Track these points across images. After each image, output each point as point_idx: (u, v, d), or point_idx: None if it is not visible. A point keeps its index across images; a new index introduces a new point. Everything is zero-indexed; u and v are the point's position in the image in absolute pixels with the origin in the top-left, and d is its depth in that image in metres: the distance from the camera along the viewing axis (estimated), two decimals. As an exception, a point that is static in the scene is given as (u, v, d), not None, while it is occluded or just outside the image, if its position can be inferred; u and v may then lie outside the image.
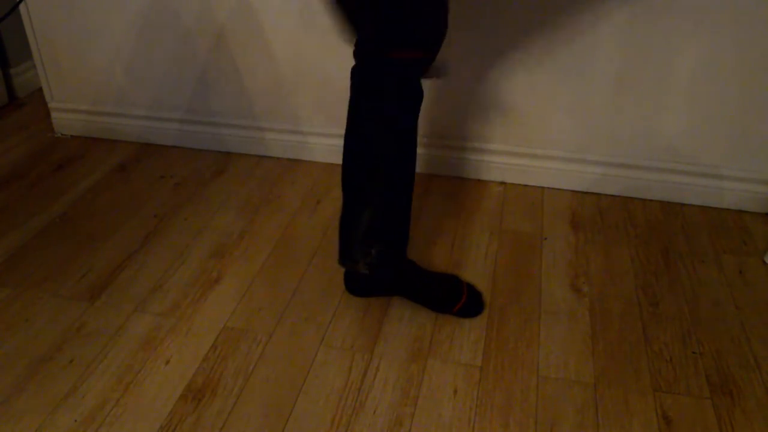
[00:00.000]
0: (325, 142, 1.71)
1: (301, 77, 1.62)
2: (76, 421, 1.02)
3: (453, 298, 1.23)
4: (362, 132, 1.11)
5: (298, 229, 1.48)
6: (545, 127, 1.56)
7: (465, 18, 1.46)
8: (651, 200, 1.58)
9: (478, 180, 1.66)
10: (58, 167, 1.73)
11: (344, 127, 1.12)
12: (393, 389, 1.08)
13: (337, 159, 1.73)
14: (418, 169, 1.65)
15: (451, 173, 1.67)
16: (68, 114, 1.87)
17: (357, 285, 1.27)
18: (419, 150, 1.63)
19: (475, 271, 1.34)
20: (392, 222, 1.18)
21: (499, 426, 1.02)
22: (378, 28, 1.02)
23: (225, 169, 1.72)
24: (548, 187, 1.63)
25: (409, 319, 1.22)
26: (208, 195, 1.61)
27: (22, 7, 1.70)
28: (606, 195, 1.60)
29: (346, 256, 1.22)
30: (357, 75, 1.08)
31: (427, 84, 1.24)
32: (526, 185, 1.64)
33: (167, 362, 1.13)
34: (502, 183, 1.65)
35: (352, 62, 1.07)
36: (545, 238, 1.45)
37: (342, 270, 1.30)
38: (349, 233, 1.20)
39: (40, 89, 2.10)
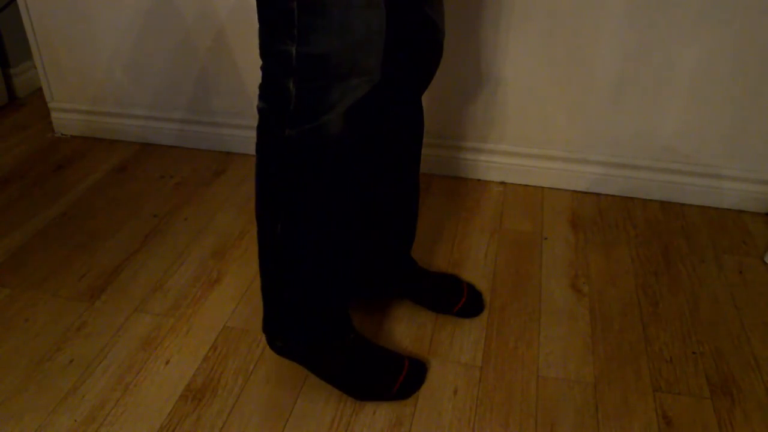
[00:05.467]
0: (325, 142, 1.71)
1: (301, 77, 1.62)
2: (76, 421, 1.02)
3: (453, 298, 1.23)
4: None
5: (298, 229, 1.48)
6: (545, 127, 1.56)
7: (464, 18, 1.46)
8: (651, 200, 1.58)
9: (478, 180, 1.66)
10: (58, 167, 1.73)
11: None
12: (393, 389, 1.08)
13: (337, 159, 1.72)
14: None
15: (451, 173, 1.67)
16: (68, 114, 1.87)
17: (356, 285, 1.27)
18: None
19: (475, 271, 1.34)
20: (397, 238, 1.18)
21: (499, 426, 1.02)
22: None
23: (225, 169, 1.72)
24: (548, 187, 1.63)
25: (409, 319, 1.22)
26: (208, 195, 1.61)
27: (22, 7, 1.70)
28: (606, 195, 1.60)
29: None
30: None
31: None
32: (526, 185, 1.64)
33: (167, 362, 1.13)
34: (502, 183, 1.65)
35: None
36: (545, 238, 1.45)
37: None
38: None
39: (40, 89, 2.10)
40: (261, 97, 0.85)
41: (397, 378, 1.06)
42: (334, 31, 0.77)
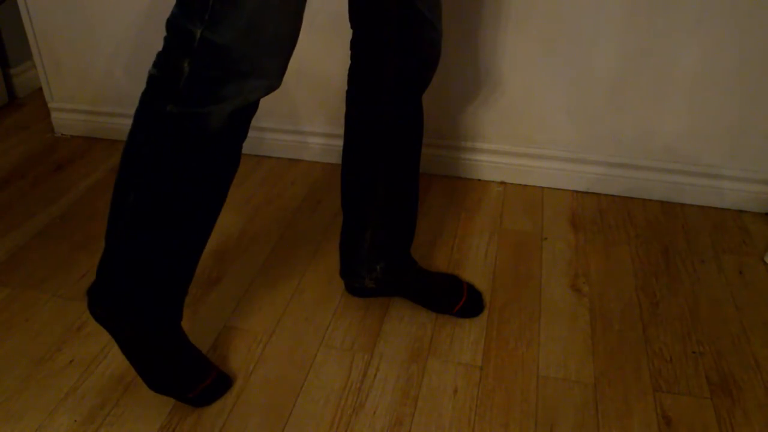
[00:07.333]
0: (325, 142, 1.72)
1: (301, 77, 1.62)
2: (75, 421, 1.02)
3: (453, 298, 1.23)
4: (365, 148, 1.09)
5: (298, 229, 1.48)
6: (545, 127, 1.56)
7: (464, 18, 1.46)
8: (651, 200, 1.58)
9: (478, 180, 1.66)
10: (58, 167, 1.73)
11: (344, 126, 1.12)
12: (393, 389, 1.08)
13: (338, 159, 1.73)
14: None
15: (451, 173, 1.67)
16: (68, 114, 1.87)
17: (357, 286, 1.27)
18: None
19: (475, 271, 1.34)
20: (396, 238, 1.18)
21: (499, 426, 1.02)
22: None
23: (225, 169, 1.72)
24: (548, 187, 1.63)
25: (409, 319, 1.22)
26: (208, 195, 1.61)
27: (22, 6, 1.70)
28: (606, 195, 1.60)
29: (349, 273, 1.22)
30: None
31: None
32: (526, 185, 1.64)
33: (167, 362, 1.13)
34: (502, 183, 1.65)
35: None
36: (545, 238, 1.45)
37: (342, 270, 1.30)
38: (351, 252, 1.19)
39: (40, 89, 2.10)
40: (155, 64, 0.83)
41: (197, 385, 1.03)
42: (242, 26, 0.76)
